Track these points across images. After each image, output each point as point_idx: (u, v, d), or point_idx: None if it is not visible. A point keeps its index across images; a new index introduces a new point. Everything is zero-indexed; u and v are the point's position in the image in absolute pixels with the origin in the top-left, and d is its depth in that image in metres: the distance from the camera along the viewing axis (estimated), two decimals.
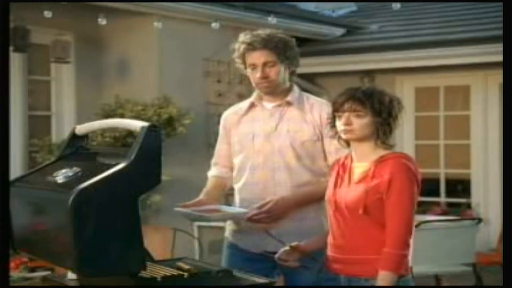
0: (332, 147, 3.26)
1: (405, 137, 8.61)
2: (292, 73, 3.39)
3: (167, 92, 6.91)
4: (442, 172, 8.62)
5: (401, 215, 2.77)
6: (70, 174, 2.55)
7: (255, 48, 3.28)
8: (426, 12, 9.41)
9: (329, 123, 2.97)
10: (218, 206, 3.34)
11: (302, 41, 8.85)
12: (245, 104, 3.45)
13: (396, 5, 6.77)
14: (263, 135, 3.32)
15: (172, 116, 6.62)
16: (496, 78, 7.92)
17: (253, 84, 3.37)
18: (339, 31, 9.12)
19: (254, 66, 3.31)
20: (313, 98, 3.42)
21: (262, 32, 3.35)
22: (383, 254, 2.75)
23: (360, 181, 2.84)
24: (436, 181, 8.54)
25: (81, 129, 2.88)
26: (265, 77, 3.28)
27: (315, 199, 3.25)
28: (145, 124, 2.49)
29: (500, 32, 6.79)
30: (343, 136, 2.90)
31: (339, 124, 2.88)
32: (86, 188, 2.31)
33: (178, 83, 7.22)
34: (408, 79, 8.76)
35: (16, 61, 6.56)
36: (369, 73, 8.69)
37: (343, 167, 2.93)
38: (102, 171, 2.38)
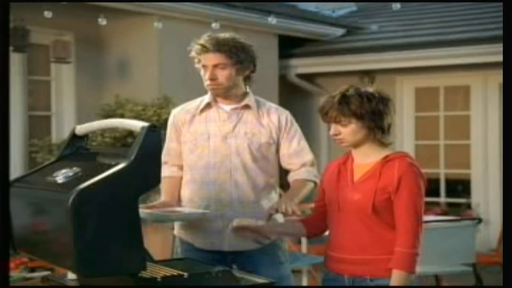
0: (292, 149, 3.39)
1: (405, 137, 8.61)
2: (247, 78, 3.42)
3: (167, 92, 6.91)
4: (442, 172, 8.62)
5: (412, 214, 2.77)
6: (70, 174, 2.54)
7: (208, 50, 3.32)
8: (426, 12, 9.42)
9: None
10: (181, 208, 3.35)
11: (302, 41, 8.89)
12: (196, 103, 3.47)
13: (396, 5, 6.77)
14: (220, 136, 3.34)
15: None
16: (496, 78, 7.93)
17: (204, 85, 3.39)
18: (339, 31, 9.12)
19: (205, 68, 3.35)
20: (269, 104, 3.46)
21: (219, 35, 3.38)
22: (396, 254, 2.75)
23: (365, 181, 2.84)
24: (436, 181, 8.54)
25: (81, 129, 2.88)
26: (212, 79, 3.32)
27: (303, 199, 3.39)
28: (145, 124, 2.49)
29: (500, 32, 6.80)
30: (339, 144, 2.91)
31: (330, 134, 2.90)
32: (86, 188, 2.31)
33: (178, 83, 7.22)
34: (408, 79, 8.77)
35: (16, 61, 6.57)
36: (369, 73, 8.70)
37: (345, 168, 2.93)
38: (102, 171, 2.38)
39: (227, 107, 3.40)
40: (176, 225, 3.49)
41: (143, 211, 3.16)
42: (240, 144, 3.33)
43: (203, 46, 3.33)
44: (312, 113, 8.95)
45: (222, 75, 3.32)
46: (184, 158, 3.42)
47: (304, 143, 3.44)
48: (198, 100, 3.48)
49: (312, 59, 8.80)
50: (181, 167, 3.45)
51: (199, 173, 3.35)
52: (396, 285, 2.73)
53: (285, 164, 3.43)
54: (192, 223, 3.41)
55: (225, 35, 3.38)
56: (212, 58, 3.31)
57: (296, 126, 3.44)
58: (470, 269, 5.71)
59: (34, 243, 2.67)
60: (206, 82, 3.36)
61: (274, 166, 3.44)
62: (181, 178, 3.45)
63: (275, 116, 3.40)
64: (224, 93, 3.36)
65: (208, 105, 3.42)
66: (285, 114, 3.43)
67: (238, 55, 3.32)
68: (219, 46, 3.30)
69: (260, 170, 3.36)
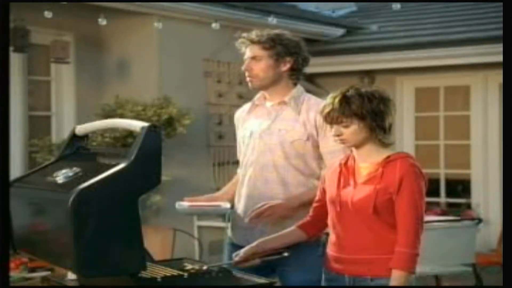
0: (326, 149, 3.30)
1: (405, 137, 8.61)
2: (292, 71, 3.39)
3: (167, 92, 6.91)
4: (442, 172, 8.62)
5: (413, 215, 2.77)
6: (70, 174, 2.55)
7: (245, 43, 3.38)
8: (426, 12, 9.42)
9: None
10: (220, 203, 3.41)
11: None
12: (251, 102, 3.54)
13: (396, 5, 6.77)
14: (258, 133, 3.38)
15: (172, 116, 6.62)
16: (496, 78, 7.92)
17: None
18: (339, 32, 9.12)
19: (246, 61, 3.39)
20: (314, 99, 3.40)
21: (264, 30, 3.42)
22: (396, 254, 2.75)
23: (367, 181, 2.84)
24: (436, 181, 8.53)
25: (81, 129, 2.89)
26: (248, 70, 3.36)
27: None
28: (145, 124, 2.49)
29: (500, 32, 6.79)
30: (341, 144, 2.92)
31: (332, 135, 2.90)
32: (86, 188, 2.31)
33: (178, 83, 7.22)
34: (408, 79, 8.77)
35: (16, 61, 6.56)
36: (369, 73, 8.69)
37: (346, 168, 2.93)
38: (102, 171, 2.38)
39: (269, 103, 3.42)
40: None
41: (179, 203, 3.34)
42: (273, 141, 3.34)
43: (242, 38, 3.39)
44: None
45: (258, 67, 3.35)
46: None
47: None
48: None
49: (312, 59, 8.73)
50: None
51: (243, 170, 3.44)
52: (396, 285, 2.73)
53: (325, 164, 3.33)
54: (232, 220, 3.47)
55: (270, 30, 3.42)
56: (250, 51, 3.37)
57: None
58: (470, 269, 5.71)
59: (34, 243, 2.67)
60: (246, 75, 3.41)
61: (313, 166, 3.35)
62: None
63: (313, 113, 3.31)
64: (262, 86, 3.38)
65: (254, 104, 3.48)
66: None
67: (275, 48, 3.34)
68: (255, 38, 3.36)
69: (293, 168, 3.31)
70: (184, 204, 3.36)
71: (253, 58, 3.35)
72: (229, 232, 3.53)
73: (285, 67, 3.38)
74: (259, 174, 3.34)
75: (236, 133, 3.60)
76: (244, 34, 3.40)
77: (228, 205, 3.39)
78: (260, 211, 3.23)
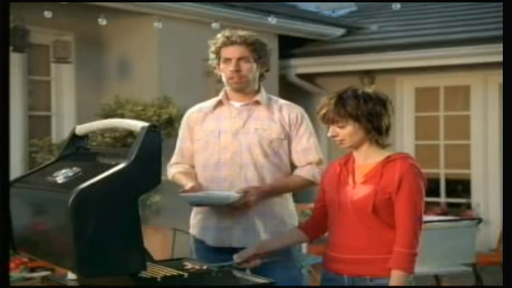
0: (300, 147, 3.39)
1: (405, 137, 8.61)
2: (261, 75, 3.47)
3: (167, 92, 6.91)
4: (442, 172, 8.62)
5: (412, 215, 2.78)
6: (70, 174, 2.55)
7: (233, 42, 3.35)
8: (426, 12, 9.42)
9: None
10: (209, 192, 3.35)
11: (302, 41, 8.89)
12: (209, 102, 3.50)
13: (396, 5, 6.76)
14: (231, 132, 3.36)
15: (172, 116, 6.62)
16: (496, 78, 7.93)
17: (224, 80, 3.42)
18: (339, 31, 9.13)
19: (228, 60, 3.36)
20: (281, 100, 3.49)
21: (240, 31, 3.44)
22: (395, 254, 2.75)
23: (367, 181, 2.84)
24: (436, 181, 8.54)
25: (81, 129, 2.89)
26: (237, 70, 3.34)
27: (285, 191, 3.40)
28: (145, 124, 2.49)
29: (500, 32, 6.79)
30: (339, 145, 2.92)
31: (329, 135, 2.91)
32: (86, 188, 2.31)
33: (178, 83, 7.22)
34: (408, 79, 8.77)
35: (16, 61, 6.57)
36: (369, 73, 8.70)
37: (346, 168, 2.93)
38: (102, 171, 2.38)
39: (237, 103, 3.42)
40: (192, 223, 3.49)
41: (186, 195, 3.23)
42: (250, 140, 3.34)
43: (228, 38, 3.36)
44: (312, 113, 8.93)
45: (246, 68, 3.36)
46: (196, 157, 3.44)
47: (313, 141, 3.43)
48: (213, 99, 3.51)
49: (312, 59, 8.79)
50: (193, 167, 3.47)
51: (211, 170, 3.37)
52: (395, 285, 2.74)
53: (294, 161, 3.43)
54: (203, 221, 3.42)
55: (247, 31, 3.43)
56: (237, 51, 3.35)
57: (307, 123, 3.44)
58: (470, 269, 5.71)
59: (34, 243, 2.67)
60: (228, 75, 3.38)
61: (287, 165, 3.43)
62: (196, 175, 3.45)
63: (286, 112, 3.41)
64: (245, 87, 3.38)
65: (220, 103, 3.45)
66: (296, 111, 3.43)
67: (262, 50, 3.39)
68: (243, 39, 3.35)
69: (272, 167, 3.36)
70: (188, 195, 3.26)
71: (241, 58, 3.34)
72: (197, 233, 3.45)
73: (263, 69, 3.44)
74: (237, 173, 3.33)
75: (183, 135, 3.49)
76: (227, 34, 3.38)
77: (237, 194, 3.24)
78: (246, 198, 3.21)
